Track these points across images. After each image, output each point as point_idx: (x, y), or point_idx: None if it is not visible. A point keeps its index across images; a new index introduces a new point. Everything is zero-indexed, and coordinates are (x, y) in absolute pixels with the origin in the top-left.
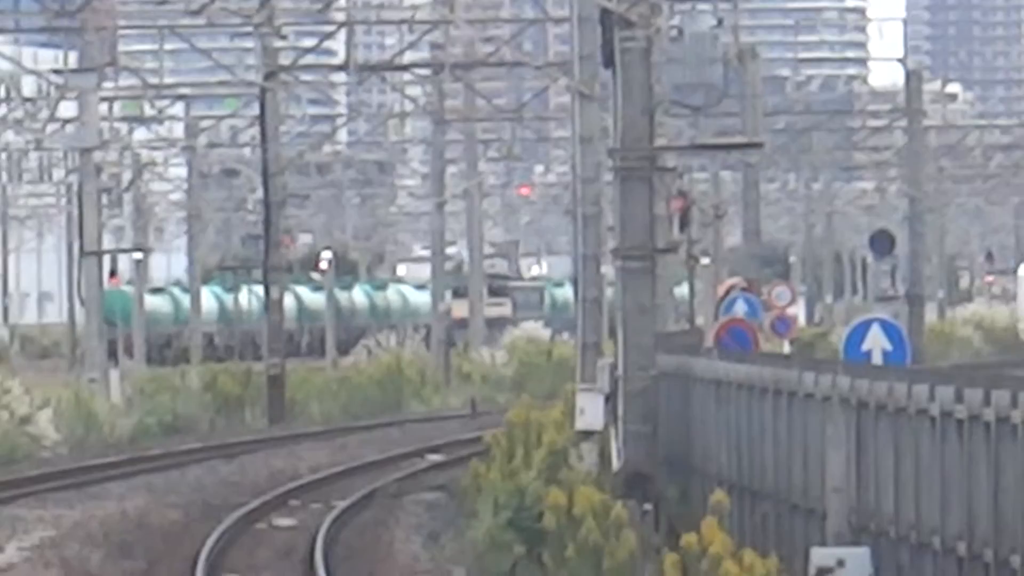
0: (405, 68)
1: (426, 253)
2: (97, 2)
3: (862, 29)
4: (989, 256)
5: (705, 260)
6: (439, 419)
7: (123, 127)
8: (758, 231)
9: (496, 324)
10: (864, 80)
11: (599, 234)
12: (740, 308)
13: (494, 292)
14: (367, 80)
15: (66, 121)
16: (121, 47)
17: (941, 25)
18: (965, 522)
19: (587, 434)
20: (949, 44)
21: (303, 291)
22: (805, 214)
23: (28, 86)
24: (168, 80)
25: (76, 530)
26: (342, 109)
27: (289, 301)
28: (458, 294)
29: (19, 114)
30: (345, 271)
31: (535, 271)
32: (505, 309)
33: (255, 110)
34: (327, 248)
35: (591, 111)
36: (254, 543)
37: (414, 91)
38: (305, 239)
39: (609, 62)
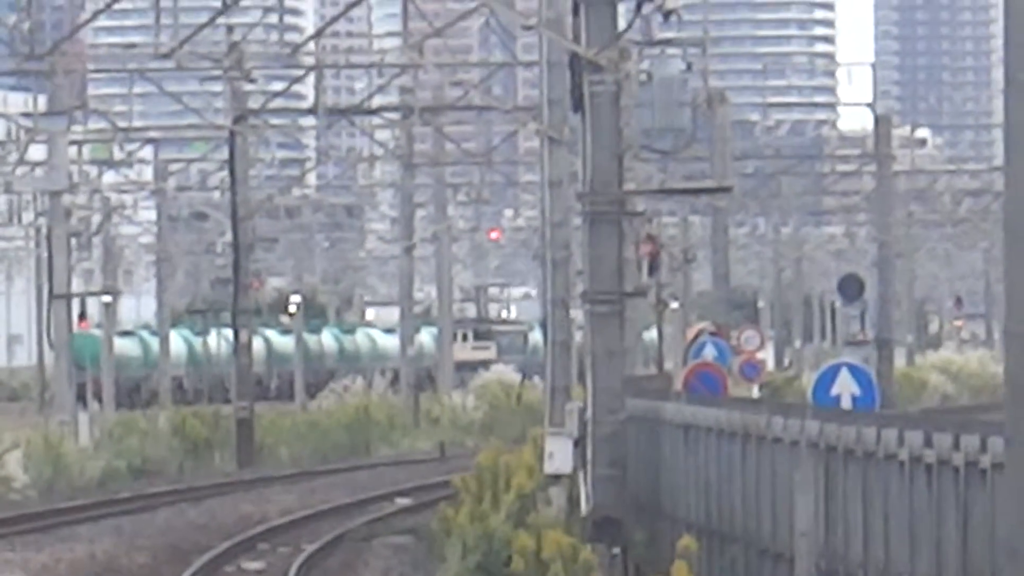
0: (374, 112)
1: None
2: (67, 45)
3: (831, 74)
4: (958, 301)
5: (674, 304)
6: (408, 463)
7: (92, 170)
8: (727, 275)
9: (478, 367)
10: (833, 125)
11: (568, 278)
12: (709, 352)
13: (479, 335)
14: (336, 124)
15: (35, 164)
16: (90, 90)
17: (910, 70)
18: (934, 567)
19: (556, 478)
20: (918, 89)
21: (272, 335)
22: (774, 258)
23: None
24: (137, 123)
25: (44, 573)
26: (311, 153)
27: (258, 344)
28: None
29: None
30: (314, 315)
31: (503, 315)
32: (490, 352)
33: (224, 154)
34: (296, 292)
35: (560, 155)
36: None
37: (383, 135)
38: (276, 282)
39: (578, 106)
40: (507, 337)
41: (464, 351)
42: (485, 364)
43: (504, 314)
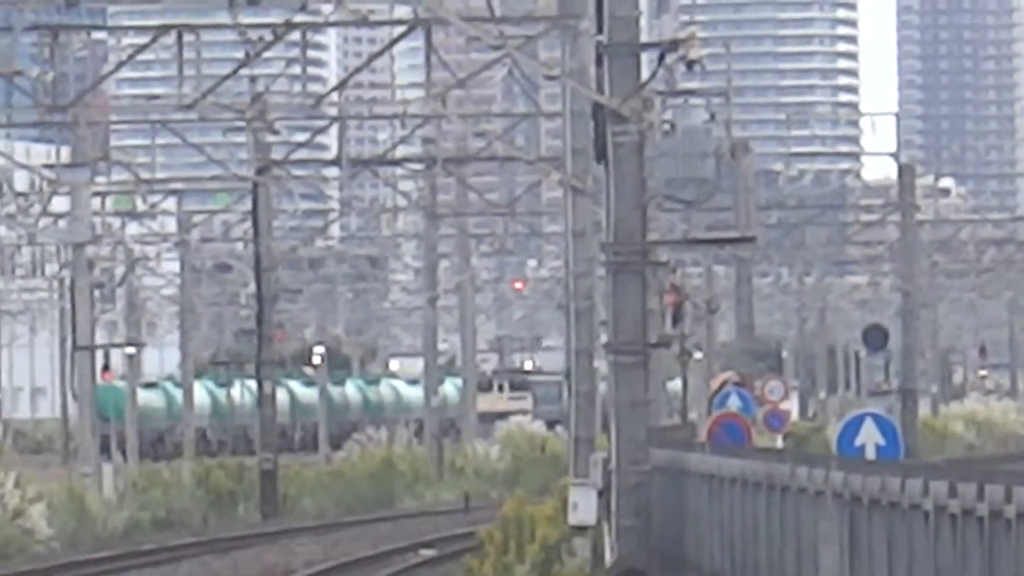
0: (397, 163)
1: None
2: (90, 97)
3: (855, 123)
4: (982, 351)
5: (698, 354)
6: (432, 514)
7: (115, 222)
8: (751, 325)
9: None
10: (857, 174)
11: (592, 328)
12: (733, 403)
13: (515, 386)
14: (359, 175)
15: (58, 216)
16: (113, 142)
17: (934, 119)
18: None
19: (580, 529)
20: (942, 138)
21: (296, 386)
22: (798, 308)
23: (20, 181)
24: (160, 175)
25: None
26: (334, 204)
27: (282, 396)
28: (482, 388)
29: (11, 209)
30: (338, 366)
31: (528, 366)
32: (526, 403)
33: (247, 205)
34: (320, 343)
35: (584, 205)
36: None
37: (406, 186)
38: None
39: (601, 156)
40: (543, 387)
41: (500, 401)
42: (522, 414)
43: (527, 365)
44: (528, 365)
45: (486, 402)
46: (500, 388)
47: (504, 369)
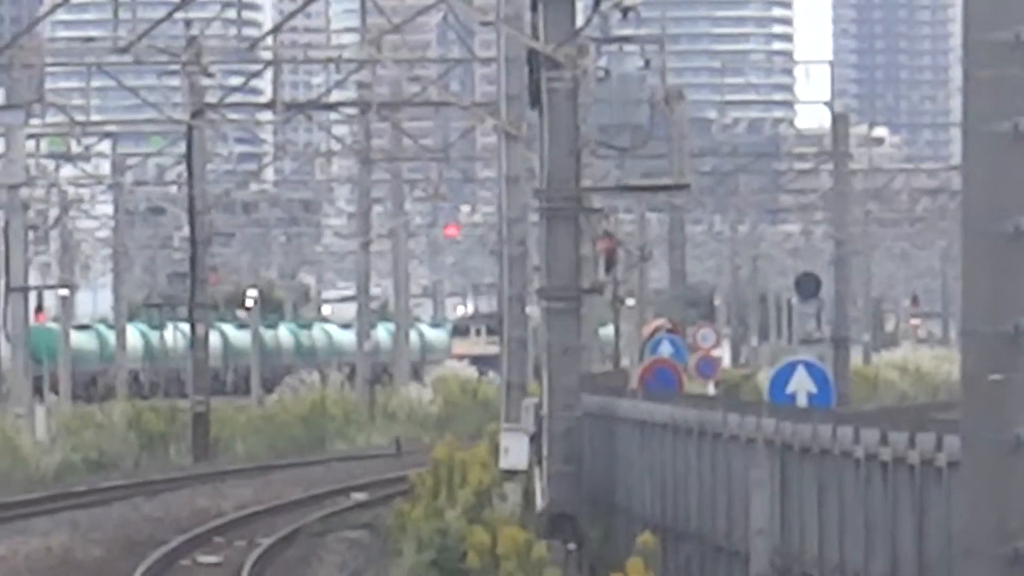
0: (332, 107)
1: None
2: (25, 39)
3: (789, 72)
4: (915, 300)
5: (630, 301)
6: (364, 458)
7: (50, 164)
8: (684, 273)
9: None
10: (791, 123)
11: (525, 274)
12: (665, 349)
13: (492, 331)
14: (294, 119)
15: None
16: (48, 84)
17: (868, 68)
18: (889, 565)
19: (511, 474)
20: (876, 87)
21: (229, 329)
22: (731, 256)
23: None
24: (95, 117)
25: (0, 565)
26: (268, 148)
27: (214, 339)
28: (459, 332)
29: None
30: (270, 309)
31: (460, 311)
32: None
33: (182, 148)
34: (253, 286)
35: (517, 151)
36: None
37: (341, 130)
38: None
39: (536, 102)
40: None
41: (478, 345)
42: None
43: (461, 310)
44: (460, 311)
45: (464, 346)
46: (477, 332)
47: (482, 314)
